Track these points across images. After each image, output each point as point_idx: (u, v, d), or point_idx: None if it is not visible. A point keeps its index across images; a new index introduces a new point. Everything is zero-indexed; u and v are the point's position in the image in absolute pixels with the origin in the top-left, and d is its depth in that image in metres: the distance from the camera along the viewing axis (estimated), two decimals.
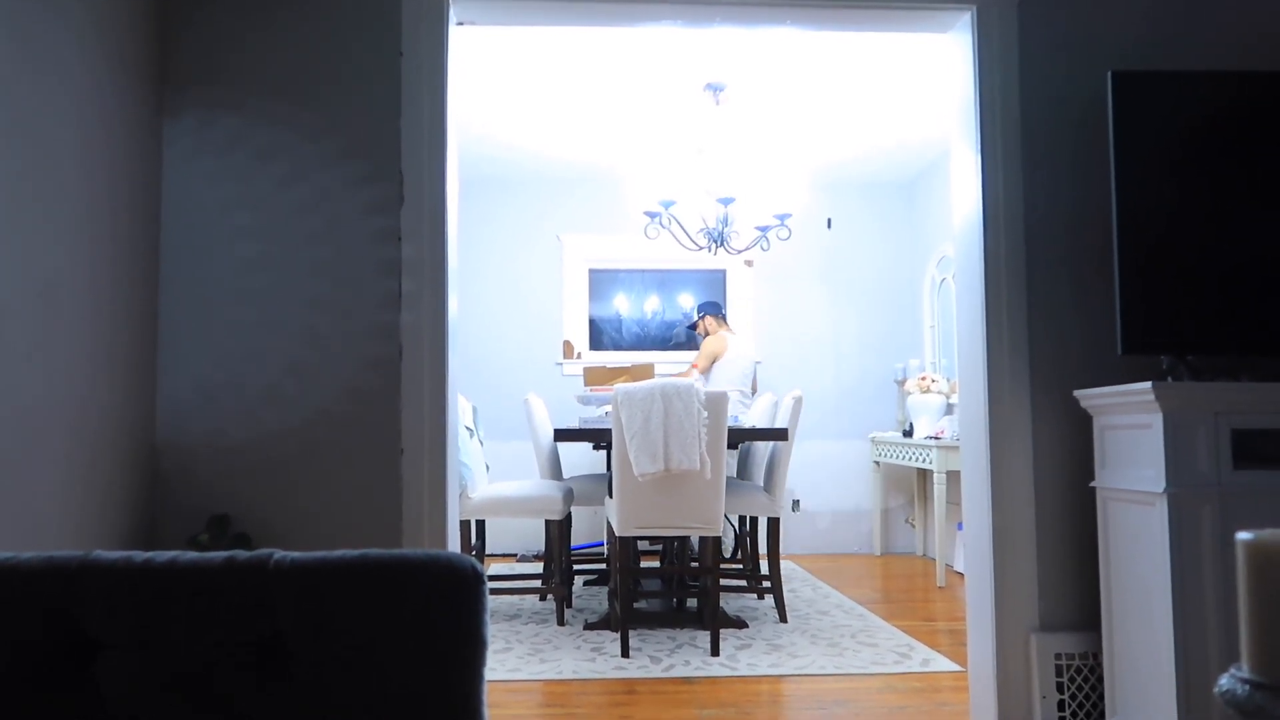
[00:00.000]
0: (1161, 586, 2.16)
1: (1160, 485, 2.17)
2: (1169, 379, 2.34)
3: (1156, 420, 2.19)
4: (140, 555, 1.06)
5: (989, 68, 2.65)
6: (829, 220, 6.51)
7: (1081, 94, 2.63)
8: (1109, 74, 2.42)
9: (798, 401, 4.29)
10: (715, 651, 3.60)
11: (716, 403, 3.67)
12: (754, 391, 5.83)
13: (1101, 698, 2.50)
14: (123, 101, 2.34)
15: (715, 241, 4.89)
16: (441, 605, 1.02)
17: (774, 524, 4.28)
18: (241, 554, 1.06)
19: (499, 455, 5.89)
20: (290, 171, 2.54)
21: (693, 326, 6.09)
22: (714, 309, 5.99)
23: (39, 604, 1.03)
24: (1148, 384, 2.17)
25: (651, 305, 6.56)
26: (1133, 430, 2.31)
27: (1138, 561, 2.29)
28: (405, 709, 1.01)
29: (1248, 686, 0.69)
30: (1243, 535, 0.72)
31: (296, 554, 1.05)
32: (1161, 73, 2.46)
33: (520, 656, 3.58)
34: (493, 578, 4.73)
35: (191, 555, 1.05)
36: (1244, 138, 2.44)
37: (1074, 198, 2.64)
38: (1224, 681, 0.71)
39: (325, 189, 2.54)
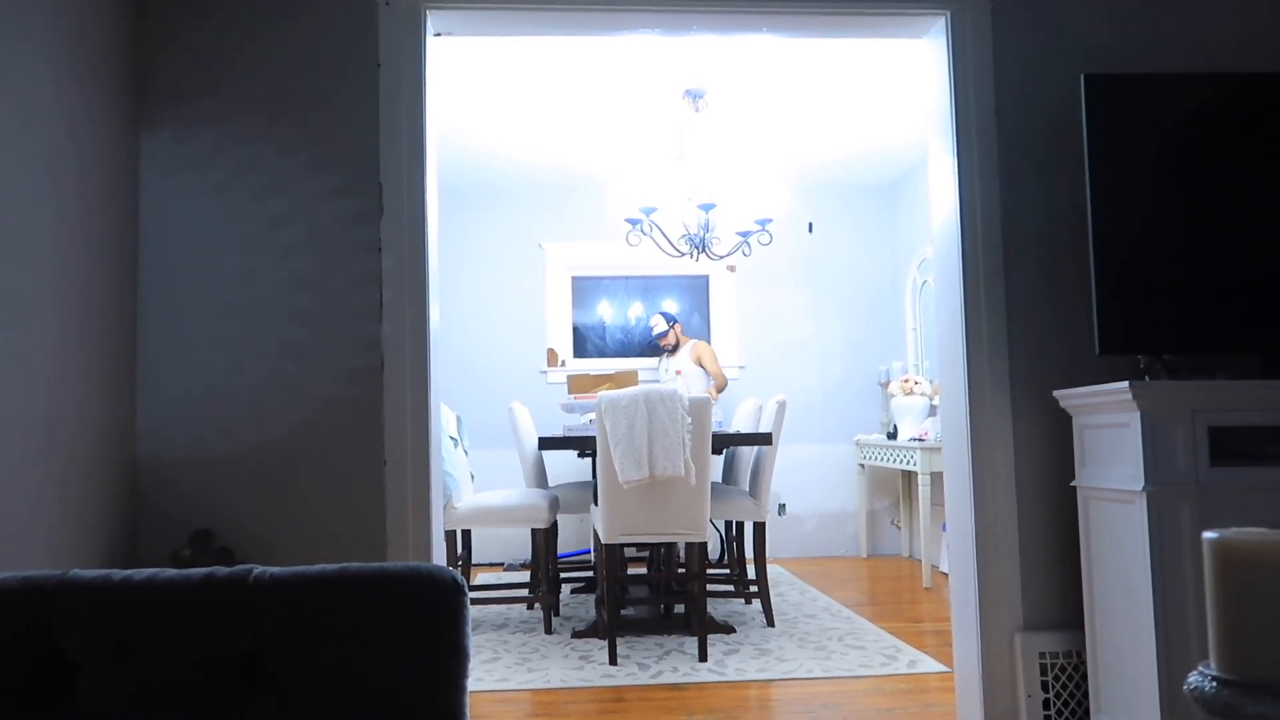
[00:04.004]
0: (1142, 584, 2.18)
1: (1139, 483, 2.18)
2: (1146, 378, 2.36)
3: (1134, 419, 2.21)
4: (119, 573, 1.05)
5: (964, 72, 2.68)
6: (810, 224, 6.54)
7: (1056, 97, 2.66)
8: (1082, 77, 2.45)
9: (782, 405, 4.30)
10: (703, 657, 3.60)
11: (700, 408, 3.68)
12: None
13: (1086, 695, 2.51)
14: (98, 115, 2.33)
15: (697, 247, 4.91)
16: (422, 617, 1.02)
17: (760, 528, 4.29)
18: (221, 570, 1.05)
19: (484, 464, 5.88)
20: (269, 184, 2.54)
21: (662, 336, 6.14)
22: (675, 318, 6.16)
23: (17, 624, 1.02)
24: (1125, 383, 2.19)
25: (635, 312, 6.57)
26: (1111, 429, 2.33)
27: (1119, 559, 2.31)
28: None
29: (1215, 683, 0.70)
30: (1209, 534, 0.73)
31: (276, 569, 1.05)
32: (1133, 75, 2.49)
33: (508, 666, 3.57)
34: (479, 587, 4.73)
35: (171, 572, 1.05)
36: (1216, 138, 2.47)
37: (1050, 200, 2.67)
38: (1193, 679, 0.72)
39: (304, 201, 2.54)
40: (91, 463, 2.26)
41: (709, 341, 6.40)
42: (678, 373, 5.89)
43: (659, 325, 6.16)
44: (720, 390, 5.90)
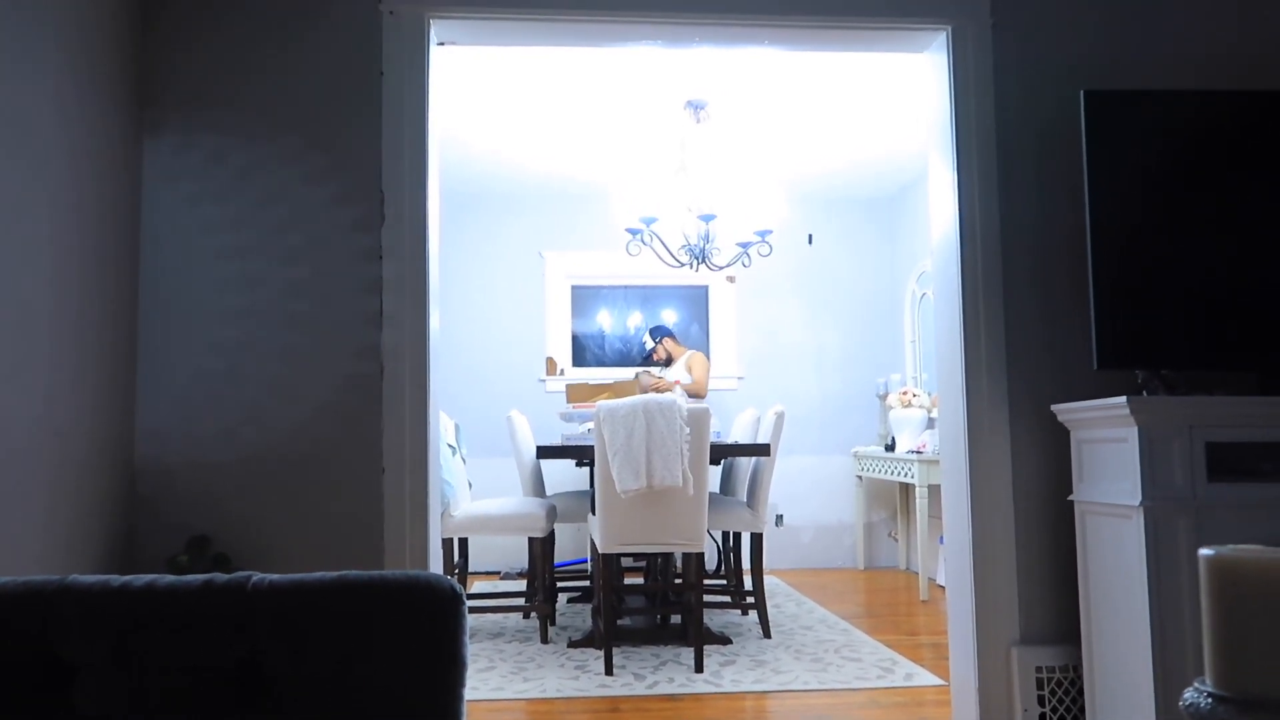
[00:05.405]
0: (1139, 599, 2.18)
1: (1136, 498, 2.19)
2: (1144, 393, 2.37)
3: (1132, 434, 2.21)
4: (118, 579, 1.05)
5: (964, 87, 2.69)
6: (810, 236, 6.55)
7: (1056, 112, 2.67)
8: (1082, 93, 2.46)
9: (780, 416, 4.31)
10: (699, 668, 3.59)
11: (698, 418, 3.68)
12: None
13: (1083, 710, 2.51)
14: (101, 122, 2.33)
15: (697, 258, 4.91)
16: (420, 626, 1.02)
17: (757, 539, 4.29)
18: (220, 576, 1.06)
19: (482, 472, 5.88)
20: (271, 191, 2.55)
21: (651, 353, 6.17)
22: (669, 331, 6.17)
23: (15, 629, 1.03)
24: (1123, 398, 2.20)
25: (634, 321, 6.57)
26: (1109, 444, 2.33)
27: (1116, 574, 2.31)
28: None
29: (1211, 700, 0.70)
30: (1205, 551, 0.74)
31: (275, 576, 1.05)
32: (1132, 92, 2.50)
33: (503, 675, 3.56)
34: (476, 596, 4.71)
35: (169, 578, 1.05)
36: (1215, 155, 2.49)
37: (1049, 214, 2.68)
38: (1188, 695, 0.72)
39: (306, 208, 2.55)
40: (91, 467, 2.26)
41: (707, 353, 6.41)
42: (675, 383, 5.89)
43: (648, 343, 6.20)
44: (692, 396, 5.85)
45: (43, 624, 1.02)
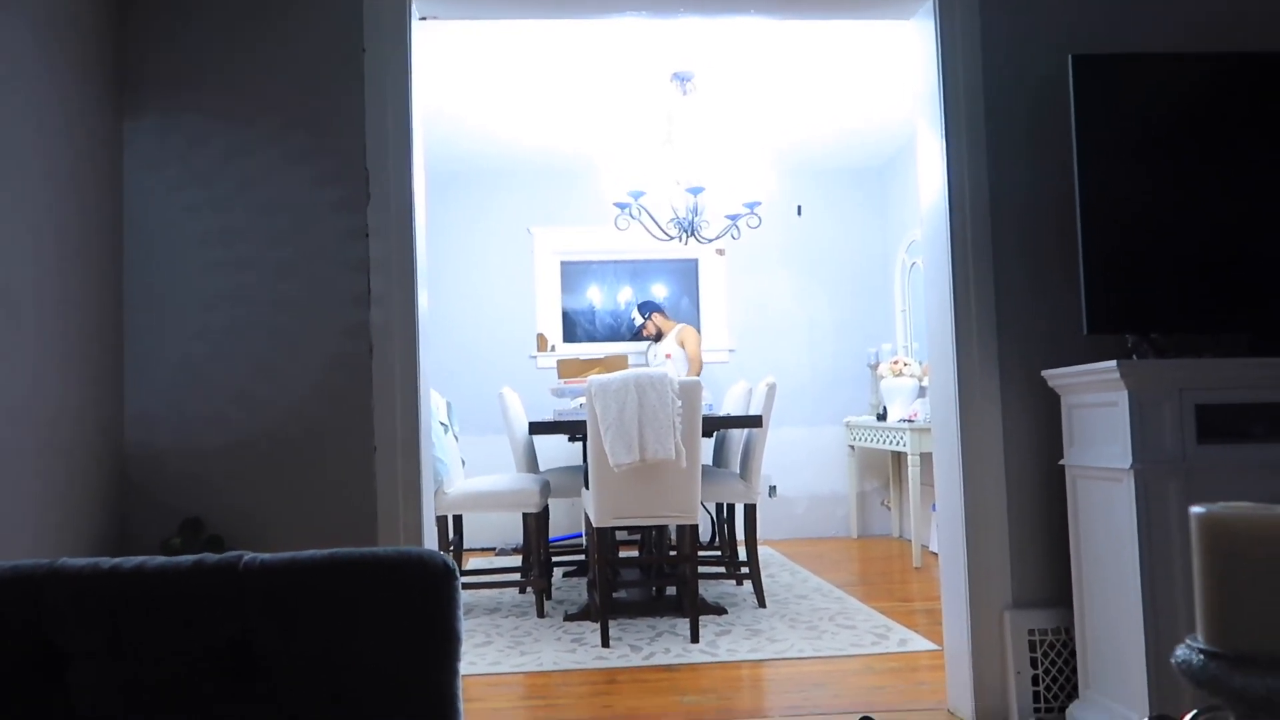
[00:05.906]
0: (1130, 561, 2.20)
1: (1127, 462, 2.20)
2: (1134, 357, 2.38)
3: (1122, 398, 2.22)
4: (107, 561, 1.05)
5: (951, 53, 2.67)
6: (799, 207, 6.53)
7: (1044, 78, 2.65)
8: (1069, 58, 2.44)
9: (771, 388, 4.31)
10: (695, 638, 3.62)
11: (690, 391, 3.68)
12: None
13: (1075, 671, 2.54)
14: (81, 105, 2.30)
15: (686, 231, 4.90)
16: (413, 602, 1.02)
17: (751, 510, 4.31)
18: (211, 557, 1.05)
19: (475, 450, 5.88)
20: (254, 172, 2.52)
21: (641, 329, 6.18)
22: (658, 306, 6.18)
23: (6, 613, 1.02)
24: (1112, 362, 2.20)
25: (624, 296, 6.56)
26: (1099, 408, 2.34)
27: (1107, 537, 2.32)
28: (380, 706, 1.01)
29: (1202, 656, 0.71)
30: (1196, 509, 0.74)
31: (266, 555, 1.05)
32: (1120, 56, 2.49)
33: (500, 649, 3.58)
34: (471, 572, 4.73)
35: (160, 559, 1.05)
36: (1203, 118, 2.48)
37: (1038, 180, 2.67)
38: (1180, 652, 0.73)
39: (290, 189, 2.52)
40: (81, 452, 2.25)
41: (698, 326, 6.40)
42: (667, 356, 5.90)
43: (637, 319, 6.23)
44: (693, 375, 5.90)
45: (34, 608, 1.02)
